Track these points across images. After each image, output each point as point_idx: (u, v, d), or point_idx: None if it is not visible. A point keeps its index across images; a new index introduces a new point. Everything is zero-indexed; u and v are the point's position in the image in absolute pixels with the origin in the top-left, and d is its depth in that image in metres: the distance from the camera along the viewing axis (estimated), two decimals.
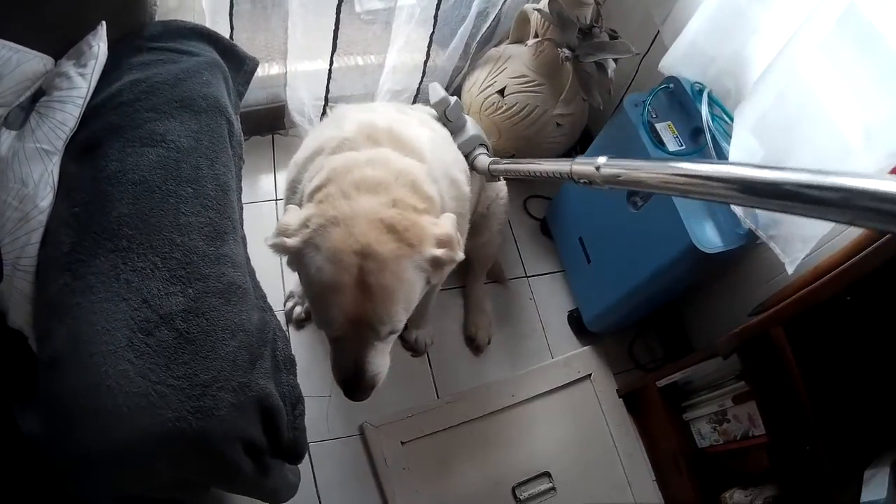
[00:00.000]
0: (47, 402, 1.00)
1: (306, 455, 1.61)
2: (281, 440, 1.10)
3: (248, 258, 1.23)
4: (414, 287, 1.06)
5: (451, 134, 1.53)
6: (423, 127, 1.35)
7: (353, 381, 1.10)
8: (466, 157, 1.53)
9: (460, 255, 1.10)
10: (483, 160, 1.51)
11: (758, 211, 1.43)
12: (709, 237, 1.49)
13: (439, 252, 1.05)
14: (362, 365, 1.08)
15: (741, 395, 1.56)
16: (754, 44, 1.46)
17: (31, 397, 1.05)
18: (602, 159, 0.99)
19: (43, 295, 1.11)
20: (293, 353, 1.30)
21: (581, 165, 1.05)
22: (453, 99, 1.54)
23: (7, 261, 1.15)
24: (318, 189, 1.11)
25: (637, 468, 1.88)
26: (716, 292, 1.84)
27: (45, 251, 1.14)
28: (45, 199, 1.18)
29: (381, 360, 1.11)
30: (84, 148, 1.22)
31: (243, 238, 1.27)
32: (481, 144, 1.57)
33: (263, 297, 1.20)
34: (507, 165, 1.43)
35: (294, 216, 1.07)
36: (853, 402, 1.29)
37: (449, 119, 1.54)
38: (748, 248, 1.56)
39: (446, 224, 1.10)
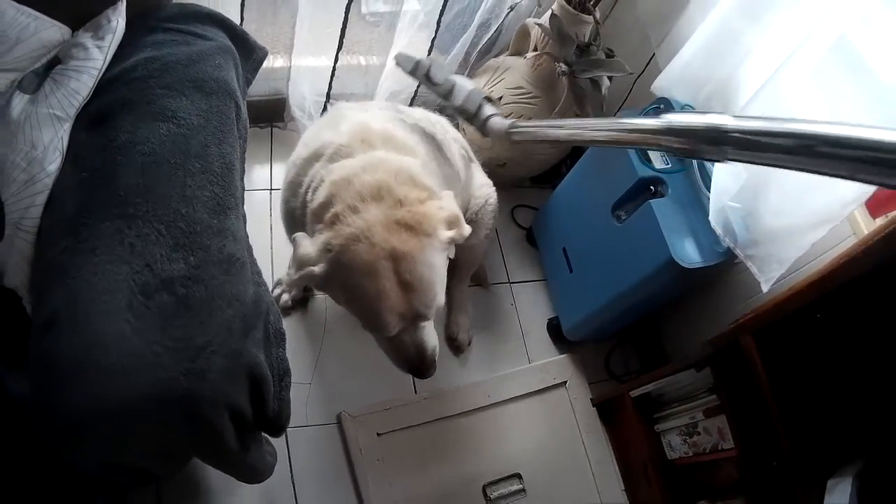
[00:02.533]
0: (39, 361, 1.01)
1: (283, 440, 1.66)
2: (266, 410, 1.13)
3: (247, 237, 1.27)
4: (442, 267, 1.18)
5: (444, 97, 1.44)
6: (414, 133, 1.39)
7: (419, 365, 1.20)
8: (473, 117, 1.39)
9: (467, 229, 1.20)
10: (499, 123, 1.33)
11: (737, 230, 1.50)
12: (688, 253, 1.55)
13: (451, 233, 1.16)
14: (423, 347, 1.18)
15: (712, 408, 1.61)
16: (746, 69, 1.52)
17: (21, 359, 1.06)
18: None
19: (43, 256, 1.13)
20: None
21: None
22: (429, 59, 1.45)
23: (9, 221, 1.17)
24: (323, 208, 1.16)
25: (607, 476, 1.93)
26: (693, 309, 1.90)
27: (49, 215, 1.17)
28: (53, 164, 1.21)
29: (433, 336, 1.22)
30: (96, 118, 1.26)
31: (244, 216, 1.30)
32: (486, 99, 1.40)
33: (259, 273, 1.24)
34: (531, 128, 1.23)
35: (311, 245, 1.12)
36: (820, 416, 1.34)
37: (435, 82, 1.43)
38: (726, 266, 1.62)
39: (449, 203, 1.19)
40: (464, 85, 1.43)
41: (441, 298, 1.17)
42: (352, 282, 1.10)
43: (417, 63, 1.44)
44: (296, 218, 1.31)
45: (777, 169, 1.40)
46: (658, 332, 2.04)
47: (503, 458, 1.85)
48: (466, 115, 1.40)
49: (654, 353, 2.04)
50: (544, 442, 1.92)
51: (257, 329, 1.11)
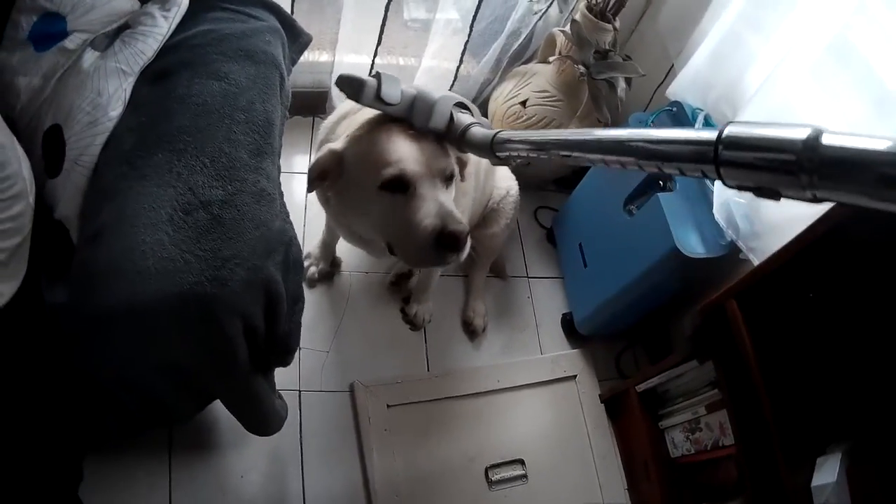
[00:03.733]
0: (81, 267, 1.13)
1: (296, 402, 1.74)
2: (277, 329, 1.22)
3: (279, 183, 1.40)
4: (449, 153, 1.23)
5: (405, 116, 1.20)
6: None
7: (443, 224, 1.12)
8: (447, 134, 1.17)
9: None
10: (480, 133, 1.10)
11: (740, 223, 1.57)
12: (692, 243, 1.62)
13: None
14: (446, 207, 1.14)
15: (714, 403, 1.65)
16: (751, 73, 1.63)
17: (60, 279, 1.18)
18: None
19: (98, 183, 1.26)
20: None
21: None
22: (375, 77, 1.17)
23: (69, 157, 1.30)
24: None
25: (610, 471, 1.95)
26: None
27: (107, 151, 1.30)
28: (116, 110, 1.35)
29: (455, 209, 1.17)
30: (157, 75, 1.40)
31: (279, 167, 1.44)
32: (458, 106, 1.18)
33: (287, 213, 1.35)
34: (522, 138, 1.00)
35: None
36: (812, 397, 1.36)
37: (389, 102, 1.17)
38: (732, 261, 1.67)
39: None
40: (427, 96, 1.18)
41: (451, 167, 1.20)
42: (367, 145, 1.20)
43: (362, 85, 1.16)
44: None
45: None
46: (668, 335, 2.08)
47: (508, 442, 1.89)
48: (438, 134, 1.19)
49: (664, 354, 2.07)
50: (550, 431, 1.96)
51: (278, 253, 1.22)
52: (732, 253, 1.62)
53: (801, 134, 0.53)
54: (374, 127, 1.22)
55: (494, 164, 1.14)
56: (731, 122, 0.61)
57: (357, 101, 1.19)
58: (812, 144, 0.52)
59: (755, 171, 0.59)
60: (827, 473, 1.28)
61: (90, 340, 1.12)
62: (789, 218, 1.49)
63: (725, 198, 1.58)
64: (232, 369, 1.22)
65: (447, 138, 1.18)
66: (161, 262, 1.09)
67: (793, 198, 0.57)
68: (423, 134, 1.19)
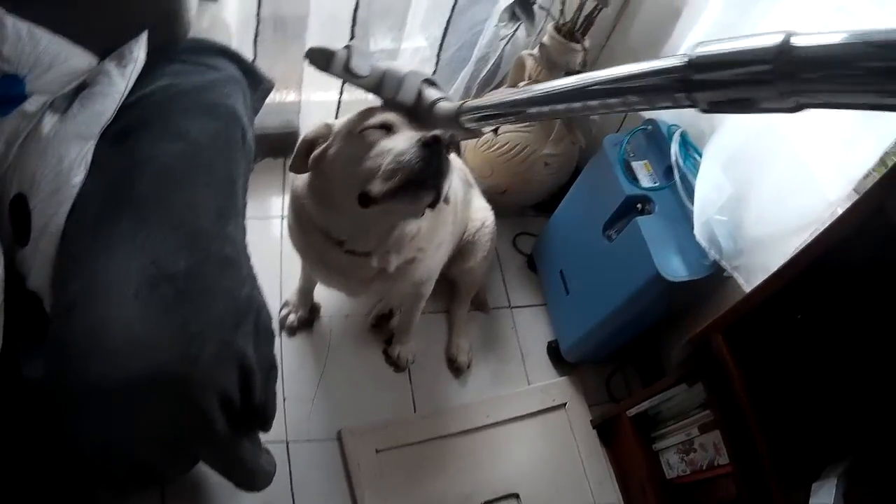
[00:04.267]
0: (55, 343, 1.10)
1: (284, 453, 1.71)
2: (253, 400, 1.19)
3: (245, 245, 1.36)
4: None
5: (374, 91, 1.20)
6: None
7: (425, 135, 1.07)
8: (415, 109, 1.16)
9: None
10: (446, 106, 1.09)
11: (723, 242, 1.55)
12: (674, 267, 1.59)
13: None
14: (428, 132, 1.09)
15: (707, 423, 1.63)
16: None
17: (37, 349, 1.15)
18: None
19: (65, 251, 1.23)
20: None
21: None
22: (347, 48, 1.15)
23: (36, 226, 1.27)
24: None
25: (606, 497, 1.92)
26: (693, 329, 1.92)
27: (72, 218, 1.26)
28: (78, 177, 1.31)
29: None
30: (117, 136, 1.37)
31: (243, 227, 1.40)
32: (426, 82, 1.16)
33: (254, 277, 1.30)
34: (485, 105, 0.97)
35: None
36: (806, 420, 1.35)
37: (357, 74, 1.16)
38: (720, 282, 1.66)
39: None
40: (396, 71, 1.17)
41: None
42: (355, 115, 1.23)
43: (332, 55, 1.15)
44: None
45: (757, 175, 1.49)
46: (658, 353, 2.06)
47: (501, 477, 1.86)
48: (405, 109, 1.18)
49: (655, 374, 2.05)
50: (543, 462, 1.93)
51: (247, 323, 1.18)
52: (717, 272, 1.60)
53: (773, 41, 0.51)
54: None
55: (462, 138, 1.17)
56: (698, 43, 0.59)
57: (326, 71, 1.18)
58: (786, 49, 0.50)
59: (730, 88, 0.57)
60: (823, 497, 1.27)
61: (69, 415, 1.09)
62: (771, 232, 1.48)
63: (707, 217, 1.56)
64: (211, 439, 1.19)
65: (416, 113, 1.17)
66: (130, 339, 1.06)
67: (772, 110, 0.55)
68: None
